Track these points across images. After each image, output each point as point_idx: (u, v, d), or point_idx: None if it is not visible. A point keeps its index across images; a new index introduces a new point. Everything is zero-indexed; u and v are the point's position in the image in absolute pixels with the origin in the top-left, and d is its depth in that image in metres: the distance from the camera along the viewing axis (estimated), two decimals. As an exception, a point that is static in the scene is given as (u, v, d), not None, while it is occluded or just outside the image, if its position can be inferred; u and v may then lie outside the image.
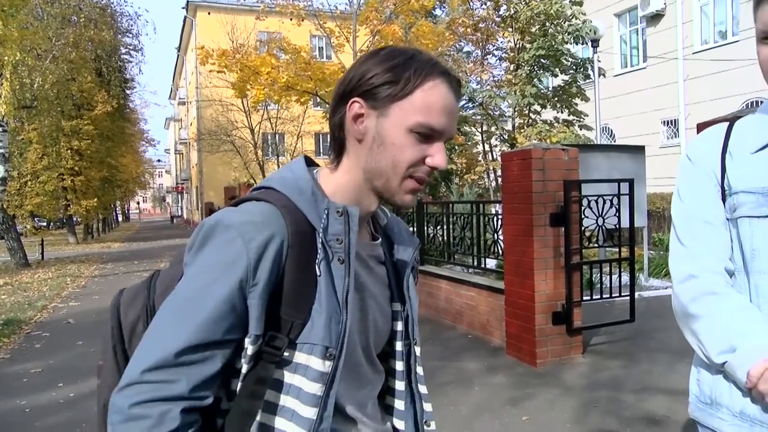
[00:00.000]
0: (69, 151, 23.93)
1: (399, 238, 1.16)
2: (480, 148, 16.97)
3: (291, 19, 15.46)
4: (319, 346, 0.92)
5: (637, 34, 18.13)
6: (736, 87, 13.59)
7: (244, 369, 0.92)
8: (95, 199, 25.97)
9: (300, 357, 0.92)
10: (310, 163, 1.09)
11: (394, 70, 0.96)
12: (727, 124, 1.38)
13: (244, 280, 0.89)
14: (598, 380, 4.75)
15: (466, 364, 5.38)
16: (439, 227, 7.71)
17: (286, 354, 0.92)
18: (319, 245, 0.95)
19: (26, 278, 13.30)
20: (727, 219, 1.32)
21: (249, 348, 0.91)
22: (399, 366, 1.12)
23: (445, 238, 7.47)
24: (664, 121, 16.63)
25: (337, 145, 1.04)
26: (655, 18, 16.78)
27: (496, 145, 15.80)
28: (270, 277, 0.91)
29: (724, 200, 1.32)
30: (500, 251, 6.04)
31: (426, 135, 0.96)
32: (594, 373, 4.94)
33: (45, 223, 41.52)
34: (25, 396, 4.87)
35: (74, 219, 28.80)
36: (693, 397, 1.38)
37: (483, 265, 6.76)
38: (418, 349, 1.15)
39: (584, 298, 5.49)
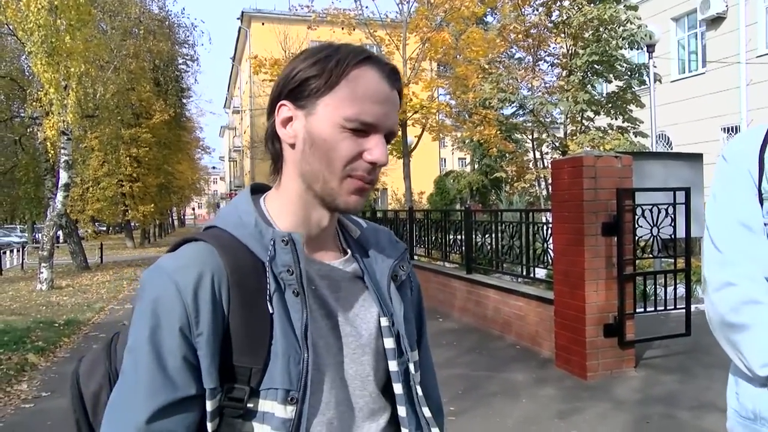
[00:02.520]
0: (128, 158, 24.81)
1: (377, 248, 1.04)
2: (530, 155, 16.73)
3: (342, 28, 15.62)
4: (279, 390, 0.84)
5: (696, 38, 17.57)
6: (803, 92, 12.99)
7: (210, 428, 0.84)
8: (152, 205, 26.84)
9: (265, 405, 0.84)
10: (262, 189, 1.02)
11: (318, 63, 0.89)
12: (767, 124, 1.31)
13: (185, 328, 0.82)
14: (652, 395, 4.59)
15: (513, 375, 5.29)
16: (487, 236, 7.63)
17: (250, 405, 0.84)
18: (269, 278, 0.86)
19: (86, 281, 13.84)
20: (765, 224, 1.25)
21: (208, 404, 0.83)
22: (398, 389, 0.98)
23: (494, 246, 7.38)
24: (724, 128, 16.03)
25: (274, 159, 0.96)
26: (716, 21, 16.23)
27: (547, 153, 15.56)
28: (214, 323, 0.83)
29: (761, 203, 1.25)
30: (550, 261, 5.92)
31: (359, 129, 0.88)
32: (647, 387, 4.78)
33: (105, 228, 43.11)
34: (82, 394, 5.03)
35: (132, 224, 29.82)
36: (731, 411, 1.32)
37: (532, 275, 6.64)
38: (412, 367, 1.00)
39: (637, 310, 5.32)
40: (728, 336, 1.26)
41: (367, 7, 35.60)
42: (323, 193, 0.90)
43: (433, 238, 9.29)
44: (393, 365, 0.97)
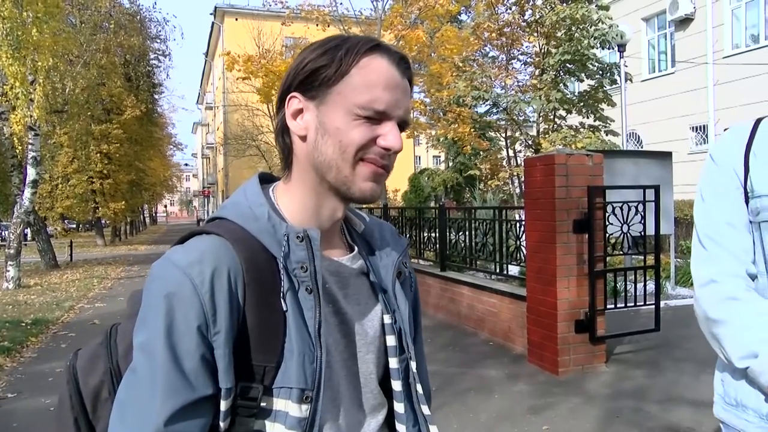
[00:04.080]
0: (98, 154, 24.39)
1: (381, 244, 1.03)
2: (504, 153, 16.86)
3: (317, 25, 15.54)
4: (294, 389, 0.82)
5: (666, 39, 17.87)
6: (768, 92, 13.30)
7: (222, 427, 0.82)
8: (123, 202, 26.42)
9: (278, 404, 0.83)
10: (268, 179, 1.00)
11: (328, 52, 0.88)
12: (752, 123, 1.35)
13: (203, 327, 0.79)
14: (622, 390, 4.66)
15: (487, 371, 5.33)
16: (461, 233, 7.67)
17: (263, 404, 0.83)
18: (283, 275, 0.84)
19: (55, 279, 13.56)
20: (750, 222, 1.29)
21: (222, 404, 0.81)
22: (396, 386, 0.98)
23: (468, 244, 7.42)
24: (693, 127, 16.35)
25: (285, 153, 0.94)
26: (684, 22, 16.53)
27: (520, 151, 15.68)
28: (231, 321, 0.81)
29: (747, 201, 1.29)
30: (523, 258, 5.98)
31: (371, 117, 0.87)
32: (617, 382, 4.86)
33: (74, 225, 42.34)
34: (50, 395, 4.94)
35: (102, 221, 29.33)
36: (718, 397, 1.38)
37: (505, 272, 6.70)
38: (414, 365, 1.00)
39: (608, 306, 5.40)
40: (711, 330, 1.32)
41: (341, 3, 35.53)
42: (337, 183, 0.89)
43: (408, 235, 9.31)
44: (393, 362, 0.98)
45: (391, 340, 0.98)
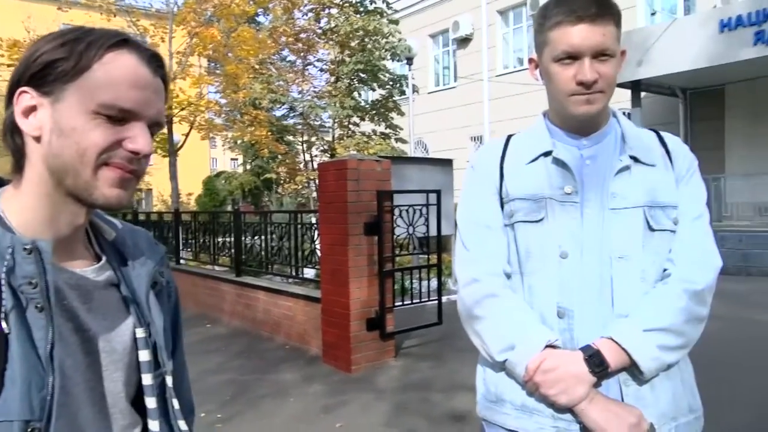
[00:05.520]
0: None
1: (134, 253, 0.96)
2: (302, 157, 17.03)
3: (100, 14, 14.28)
4: (16, 422, 0.71)
5: (449, 55, 19.47)
6: (532, 108, 15.08)
7: None
8: None
9: None
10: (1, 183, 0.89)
11: (67, 45, 0.79)
12: (505, 137, 1.52)
13: None
14: (410, 382, 4.95)
15: (282, 375, 5.31)
16: (257, 237, 7.57)
17: None
18: (5, 293, 0.74)
19: None
20: (505, 224, 1.43)
21: None
22: (151, 403, 0.92)
23: (264, 247, 7.35)
24: (472, 137, 18.00)
25: (15, 155, 0.83)
26: (464, 41, 18.16)
27: (317, 156, 15.97)
28: None
29: (502, 206, 1.43)
30: (318, 260, 6.08)
31: (116, 117, 0.80)
32: (405, 375, 5.14)
33: None
34: None
35: None
36: (480, 396, 1.47)
37: (301, 275, 6.75)
38: (170, 380, 0.94)
39: (396, 303, 5.70)
40: (473, 327, 1.41)
41: (129, -7, 33.15)
42: (77, 188, 0.80)
43: (202, 240, 8.96)
44: (147, 379, 0.91)
45: (144, 355, 0.91)
